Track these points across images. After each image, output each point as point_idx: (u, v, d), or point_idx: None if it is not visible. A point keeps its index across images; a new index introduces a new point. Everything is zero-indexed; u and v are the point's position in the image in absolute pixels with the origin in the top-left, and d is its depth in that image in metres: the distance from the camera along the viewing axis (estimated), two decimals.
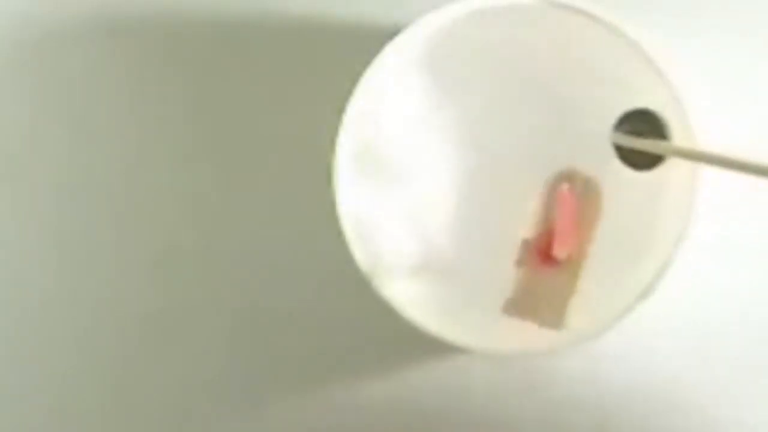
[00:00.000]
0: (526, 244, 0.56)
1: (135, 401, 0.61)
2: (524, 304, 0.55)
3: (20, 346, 0.61)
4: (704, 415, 0.61)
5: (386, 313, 0.61)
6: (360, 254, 0.55)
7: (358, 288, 0.61)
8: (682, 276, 0.60)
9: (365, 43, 0.61)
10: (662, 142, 0.54)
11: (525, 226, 0.58)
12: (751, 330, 0.61)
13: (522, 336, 0.55)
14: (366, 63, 0.61)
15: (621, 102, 0.58)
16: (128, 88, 0.61)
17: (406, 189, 0.60)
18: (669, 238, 0.55)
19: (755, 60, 0.61)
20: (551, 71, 0.59)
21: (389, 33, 0.61)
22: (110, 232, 0.61)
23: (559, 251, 0.54)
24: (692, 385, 0.61)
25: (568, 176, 0.55)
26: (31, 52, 0.61)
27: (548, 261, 0.55)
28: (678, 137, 0.54)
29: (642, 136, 0.54)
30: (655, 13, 0.61)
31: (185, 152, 0.61)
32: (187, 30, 0.61)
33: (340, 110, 0.62)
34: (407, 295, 0.56)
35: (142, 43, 0.61)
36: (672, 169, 0.56)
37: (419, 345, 0.60)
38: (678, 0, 0.61)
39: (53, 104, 0.61)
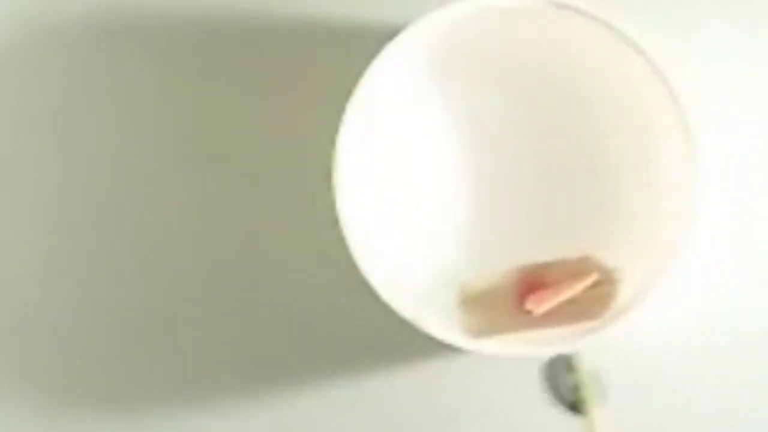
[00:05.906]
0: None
1: (135, 401, 0.61)
2: (477, 301, 0.55)
3: (20, 346, 0.61)
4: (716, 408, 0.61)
5: (387, 313, 0.61)
6: (360, 257, 0.55)
7: (358, 288, 0.61)
8: (683, 279, 0.60)
9: (365, 43, 0.61)
10: None
11: (528, 245, 0.59)
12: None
13: (519, 338, 0.56)
14: (366, 63, 0.61)
15: (622, 99, 0.58)
16: (126, 89, 0.61)
17: (408, 190, 0.60)
18: (664, 248, 0.55)
19: (756, 59, 0.61)
20: (552, 71, 0.59)
21: (389, 33, 0.61)
22: (109, 232, 0.61)
23: (531, 305, 0.54)
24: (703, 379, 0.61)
25: (595, 265, 0.55)
26: (30, 53, 0.62)
27: (520, 299, 0.55)
28: (677, 137, 0.54)
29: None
30: (655, 13, 0.61)
31: (184, 152, 0.61)
32: (187, 31, 0.61)
33: (340, 110, 0.62)
34: (413, 298, 0.56)
35: (142, 44, 0.61)
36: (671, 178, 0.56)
37: (419, 345, 0.60)
38: (676, 0, 0.61)
39: (51, 105, 0.61)
